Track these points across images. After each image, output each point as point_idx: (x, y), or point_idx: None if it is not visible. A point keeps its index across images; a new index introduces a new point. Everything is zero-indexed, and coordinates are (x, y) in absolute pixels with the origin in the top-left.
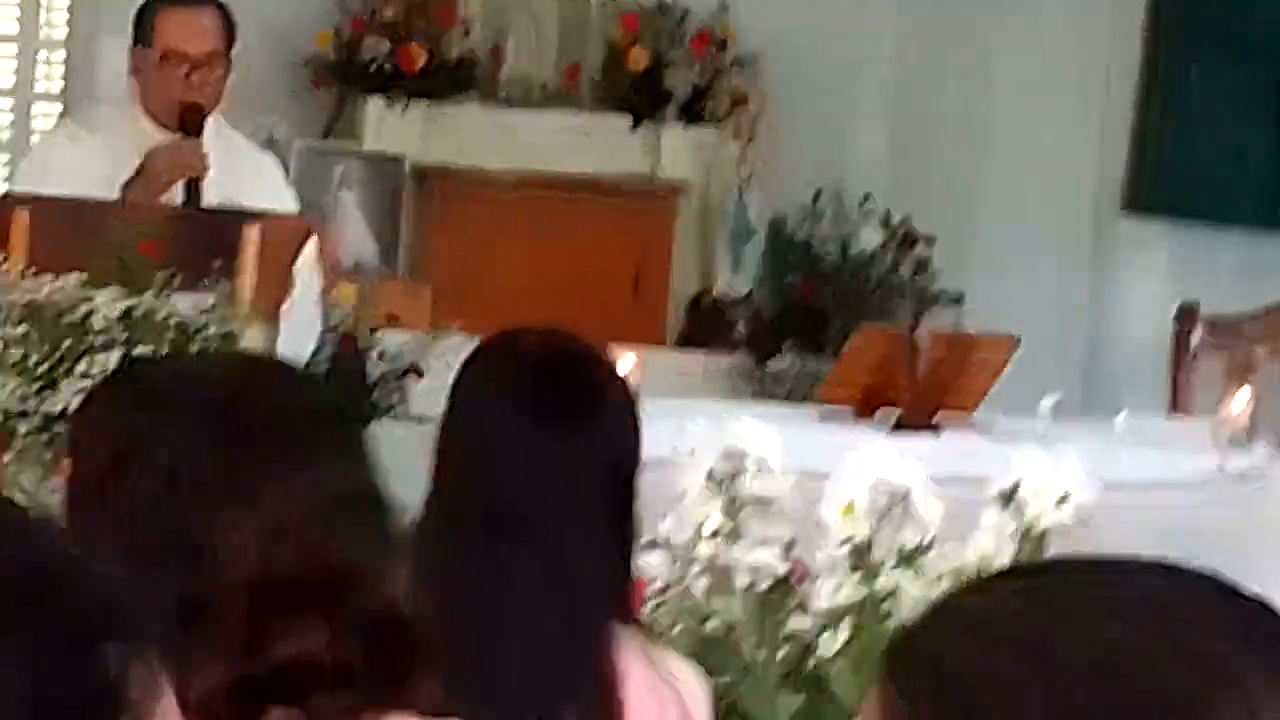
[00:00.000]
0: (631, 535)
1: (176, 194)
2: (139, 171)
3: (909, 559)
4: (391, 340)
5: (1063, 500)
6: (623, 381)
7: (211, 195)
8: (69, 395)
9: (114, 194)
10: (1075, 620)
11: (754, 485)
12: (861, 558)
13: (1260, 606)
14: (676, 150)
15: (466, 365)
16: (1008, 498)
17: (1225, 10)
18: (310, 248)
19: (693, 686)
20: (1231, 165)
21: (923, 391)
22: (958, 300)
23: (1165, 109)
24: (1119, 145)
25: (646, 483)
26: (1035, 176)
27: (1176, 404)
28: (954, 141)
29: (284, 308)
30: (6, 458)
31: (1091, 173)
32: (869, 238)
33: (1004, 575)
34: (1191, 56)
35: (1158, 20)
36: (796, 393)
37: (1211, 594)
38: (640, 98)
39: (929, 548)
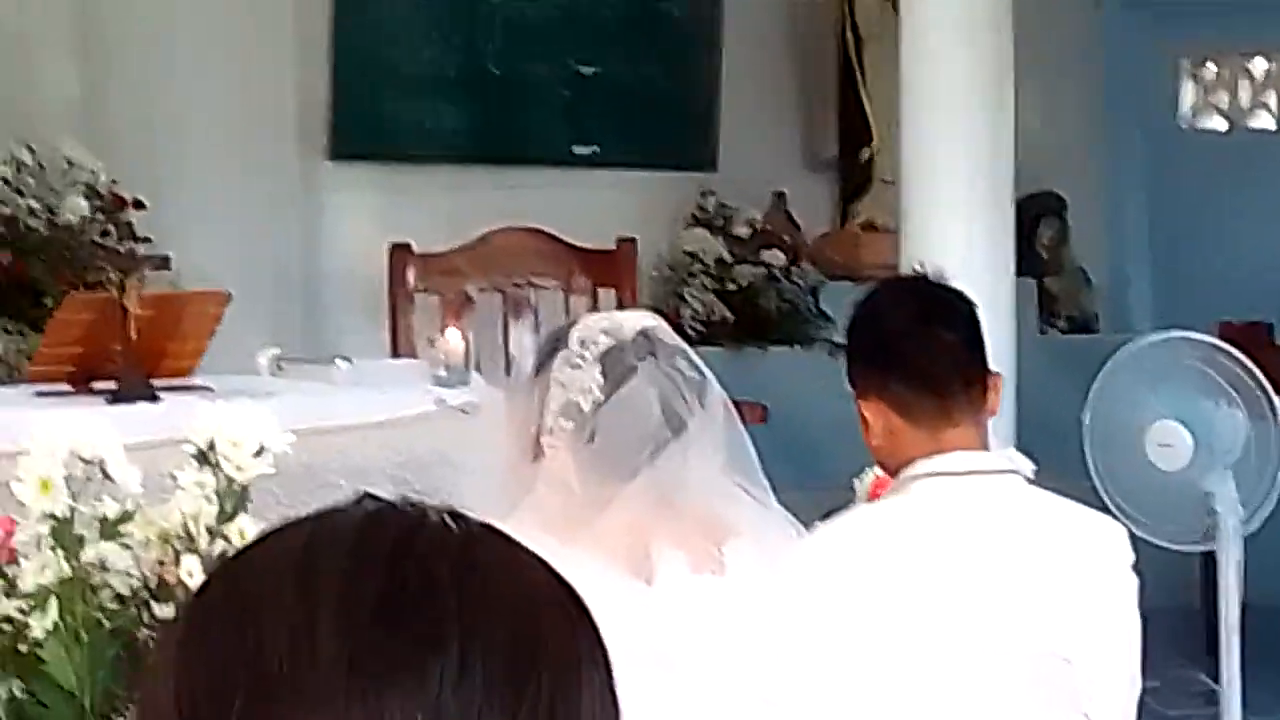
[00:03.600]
0: None
1: None
2: None
3: (111, 529)
4: None
5: (259, 452)
6: None
7: None
8: None
9: None
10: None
11: None
12: (64, 533)
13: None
14: None
15: None
16: (203, 455)
17: None
18: None
19: None
20: (428, 103)
21: (137, 357)
22: (167, 261)
23: (357, 48)
24: (320, 91)
25: None
26: (236, 131)
27: (396, 343)
28: (149, 95)
29: None
30: None
31: (292, 120)
32: (75, 206)
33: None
34: None
35: None
36: (15, 372)
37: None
38: None
39: (131, 515)
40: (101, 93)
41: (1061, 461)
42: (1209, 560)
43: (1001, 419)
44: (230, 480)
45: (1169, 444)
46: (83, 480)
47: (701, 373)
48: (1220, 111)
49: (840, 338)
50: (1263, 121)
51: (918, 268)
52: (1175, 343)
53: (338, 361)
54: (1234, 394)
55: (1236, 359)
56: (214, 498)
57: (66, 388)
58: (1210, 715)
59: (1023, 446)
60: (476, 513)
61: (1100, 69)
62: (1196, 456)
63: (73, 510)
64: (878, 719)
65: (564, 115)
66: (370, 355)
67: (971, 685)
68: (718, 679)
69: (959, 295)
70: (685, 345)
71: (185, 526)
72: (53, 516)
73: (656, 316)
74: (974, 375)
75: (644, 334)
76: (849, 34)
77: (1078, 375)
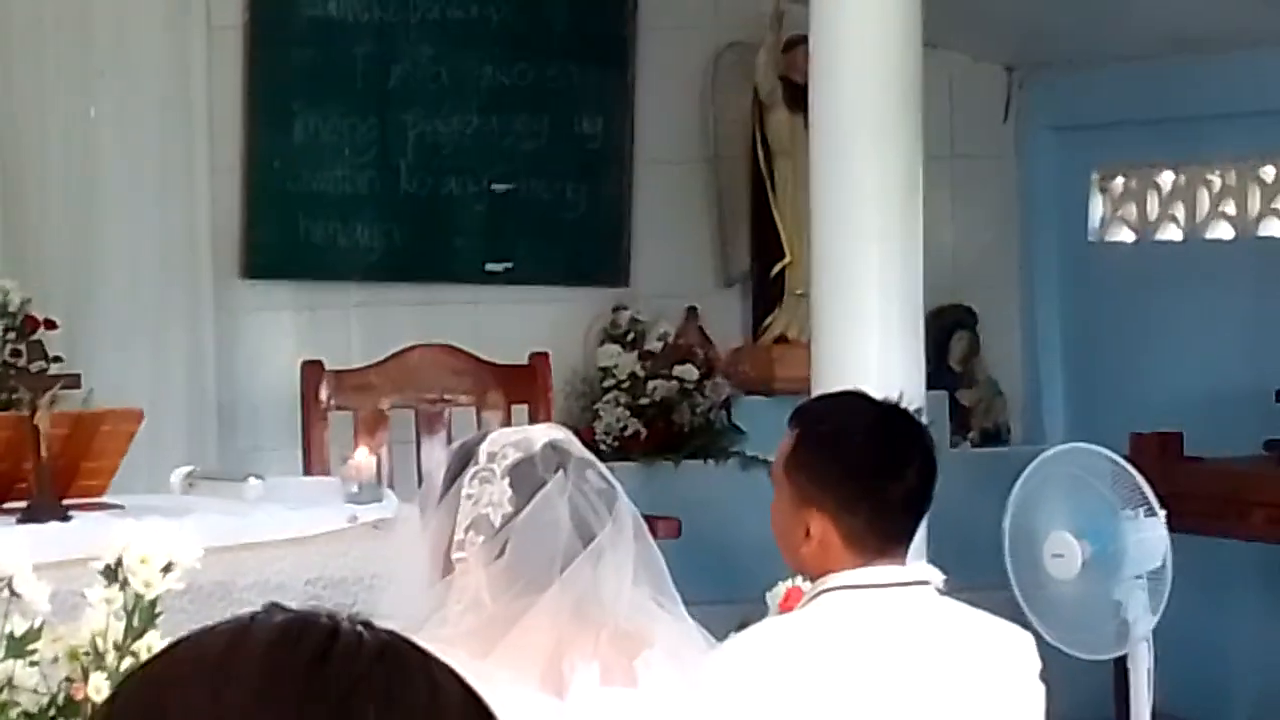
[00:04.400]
0: None
1: None
2: None
3: (18, 647)
4: None
5: (168, 568)
6: None
7: None
8: None
9: None
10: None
11: None
12: None
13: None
14: None
15: None
16: (112, 572)
17: (322, 63)
18: None
19: None
20: (342, 221)
21: (49, 476)
22: (77, 380)
23: (272, 169)
24: (234, 210)
25: None
26: (150, 250)
27: (310, 460)
28: (65, 216)
29: None
30: None
31: (206, 239)
32: None
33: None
34: (291, 111)
35: (254, 80)
36: None
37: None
38: None
39: (39, 633)
40: (16, 213)
41: (973, 573)
42: (1121, 670)
43: None
44: (138, 596)
45: (1060, 554)
46: None
47: (611, 485)
48: (1128, 224)
49: (754, 451)
50: (1170, 234)
51: (892, 402)
52: (1078, 454)
53: (250, 479)
54: (1120, 504)
55: (1125, 470)
56: (122, 614)
57: None
58: None
59: (935, 558)
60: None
61: (1011, 182)
62: (1089, 567)
63: None
64: None
65: (478, 232)
66: (285, 472)
67: None
68: None
69: (924, 432)
70: (594, 458)
71: (94, 643)
72: None
73: (565, 429)
74: (921, 517)
75: (553, 446)
76: (760, 149)
77: (990, 487)
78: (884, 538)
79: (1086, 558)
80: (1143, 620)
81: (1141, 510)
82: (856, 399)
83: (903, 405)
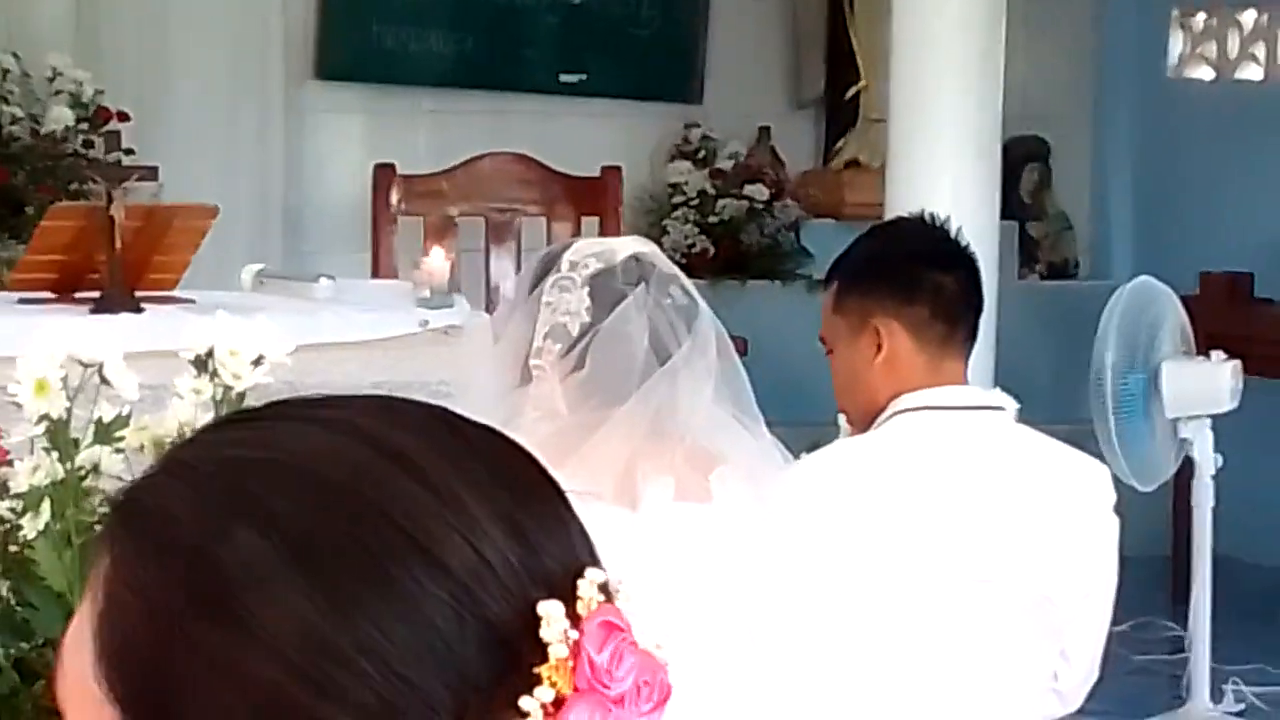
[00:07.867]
0: None
1: None
2: None
3: (106, 433)
4: None
5: (258, 361)
6: None
7: None
8: None
9: None
10: (285, 451)
11: None
12: (58, 435)
13: (487, 433)
14: None
15: None
16: (202, 363)
17: None
18: None
19: None
20: (417, 26)
21: (122, 268)
22: (155, 172)
23: None
24: (308, 12)
25: None
26: (224, 47)
27: (377, 265)
28: (139, 10)
29: None
30: None
31: (279, 40)
32: (60, 116)
33: (217, 425)
34: None
35: None
36: None
37: (445, 419)
38: None
39: (126, 420)
40: (91, 6)
41: (1035, 405)
42: (1179, 509)
43: (980, 362)
44: (227, 388)
45: (1132, 392)
46: (79, 385)
47: (694, 300)
48: (1208, 62)
49: (820, 275)
50: (1250, 73)
51: (929, 216)
52: (1153, 292)
53: (321, 279)
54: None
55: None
56: (209, 405)
57: (49, 295)
58: (1175, 662)
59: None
60: None
61: (1090, 15)
62: (1155, 404)
63: (69, 413)
64: (858, 648)
65: (552, 43)
66: (351, 276)
67: (954, 618)
68: (701, 606)
69: (960, 242)
70: (679, 272)
71: (181, 433)
72: (48, 418)
73: (650, 243)
74: (976, 315)
75: (636, 259)
76: None
77: (1055, 320)
78: (950, 324)
79: (1125, 392)
80: (1208, 461)
81: (1221, 353)
82: (901, 218)
83: (934, 221)
